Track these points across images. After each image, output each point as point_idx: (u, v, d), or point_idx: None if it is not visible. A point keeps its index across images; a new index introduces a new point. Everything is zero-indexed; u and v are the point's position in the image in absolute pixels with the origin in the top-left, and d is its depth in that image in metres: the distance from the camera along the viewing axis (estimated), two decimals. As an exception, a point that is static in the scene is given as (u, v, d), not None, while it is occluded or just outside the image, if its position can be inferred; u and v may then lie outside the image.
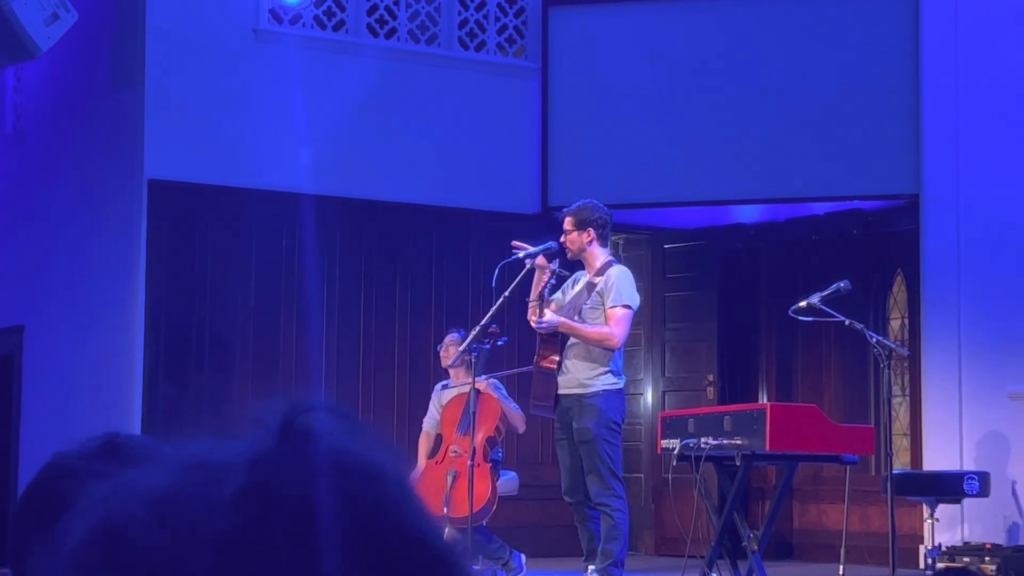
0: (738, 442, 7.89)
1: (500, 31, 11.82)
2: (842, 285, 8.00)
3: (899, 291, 11.23)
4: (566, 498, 7.96)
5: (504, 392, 9.00)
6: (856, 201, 11.17)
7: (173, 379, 10.35)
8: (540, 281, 7.86)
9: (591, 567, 7.82)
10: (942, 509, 9.27)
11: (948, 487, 9.10)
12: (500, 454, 9.04)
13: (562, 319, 7.77)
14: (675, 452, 8.10)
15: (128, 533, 0.83)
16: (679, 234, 12.16)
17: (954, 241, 10.31)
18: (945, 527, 9.66)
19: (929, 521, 8.98)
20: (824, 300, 8.00)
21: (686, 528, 8.40)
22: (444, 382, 9.23)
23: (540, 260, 7.85)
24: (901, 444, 11.02)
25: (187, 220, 10.59)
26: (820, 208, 11.49)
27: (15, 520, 1.31)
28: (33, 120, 12.35)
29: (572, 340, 7.82)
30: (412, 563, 0.85)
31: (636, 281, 8.08)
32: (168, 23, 10.58)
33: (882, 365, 8.03)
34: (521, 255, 7.97)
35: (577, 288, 7.97)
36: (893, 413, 10.71)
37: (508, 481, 9.03)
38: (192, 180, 10.57)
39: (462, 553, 0.89)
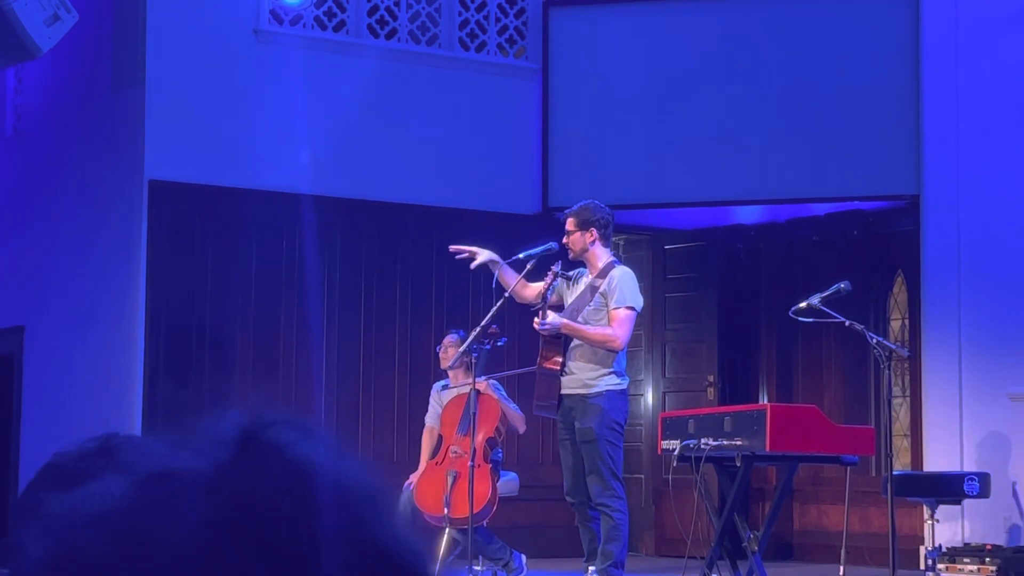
0: (738, 443, 7.89)
1: (501, 32, 11.82)
2: (842, 286, 8.00)
3: (899, 292, 11.23)
4: (568, 498, 7.96)
5: (504, 393, 9.00)
6: (856, 202, 11.17)
7: (173, 379, 10.34)
8: (544, 283, 7.85)
9: (591, 568, 7.82)
10: (942, 510, 9.26)
11: (948, 488, 9.09)
12: (500, 455, 9.04)
13: (565, 320, 7.76)
14: (675, 453, 8.10)
15: (85, 560, 0.80)
16: (679, 235, 12.16)
17: (954, 242, 10.31)
18: (945, 528, 9.66)
19: (929, 522, 8.97)
20: (824, 301, 7.99)
21: (686, 529, 8.40)
22: (443, 381, 9.23)
23: (484, 258, 7.92)
24: (901, 445, 11.02)
25: (187, 220, 10.59)
26: (821, 209, 11.48)
27: (15, 520, 1.31)
28: (34, 121, 12.35)
29: (576, 341, 7.81)
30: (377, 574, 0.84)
31: (637, 282, 8.08)
32: (168, 24, 10.58)
33: (882, 366, 8.02)
34: (522, 255, 7.97)
35: (579, 289, 7.96)
36: (893, 414, 10.71)
37: (508, 482, 9.03)
38: (192, 180, 10.57)
39: (428, 563, 0.88)
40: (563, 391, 7.84)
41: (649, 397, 12.24)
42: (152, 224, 10.49)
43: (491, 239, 11.17)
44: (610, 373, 7.76)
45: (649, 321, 12.00)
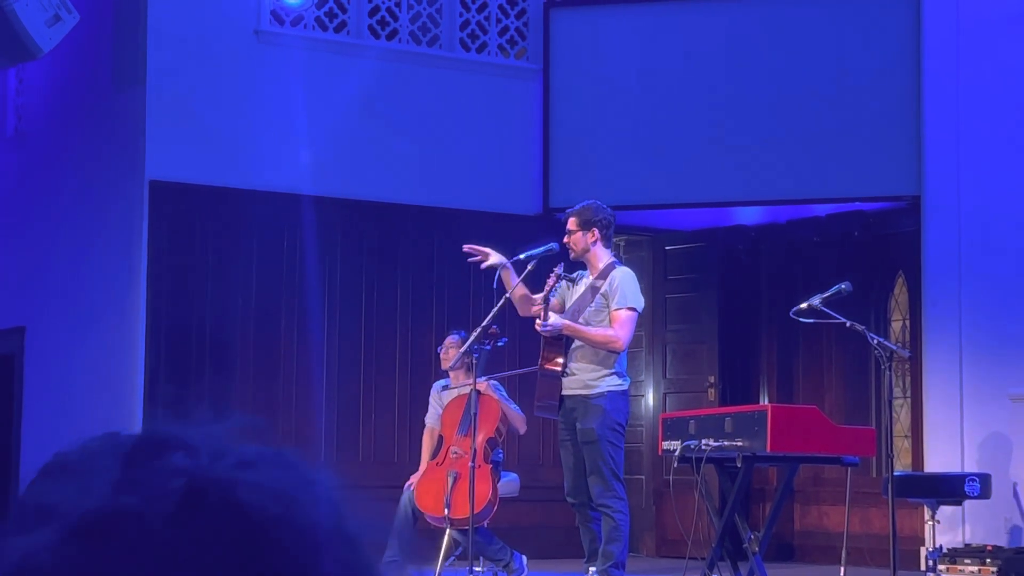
0: (739, 444, 7.89)
1: (501, 32, 11.82)
2: (843, 287, 7.99)
3: (900, 293, 11.22)
4: (569, 499, 7.95)
5: (504, 393, 9.00)
6: (857, 203, 11.17)
7: (174, 380, 10.34)
8: (546, 285, 7.84)
9: (592, 568, 7.81)
10: (943, 511, 9.26)
11: (949, 489, 9.09)
12: (501, 455, 9.03)
13: (566, 322, 7.76)
14: (676, 454, 8.10)
15: None
16: (680, 236, 12.16)
17: (955, 243, 10.31)
18: (946, 529, 9.65)
19: (930, 523, 8.97)
20: (825, 302, 7.99)
21: (687, 530, 8.39)
22: (444, 382, 9.22)
23: (494, 261, 7.89)
24: (902, 446, 11.02)
25: (188, 221, 10.59)
26: (821, 210, 11.48)
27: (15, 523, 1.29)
28: (35, 121, 12.36)
29: (577, 342, 7.81)
30: None
31: (638, 282, 8.07)
32: (169, 24, 10.58)
33: (883, 367, 8.02)
34: (522, 256, 7.97)
35: (580, 290, 7.95)
36: (894, 415, 10.70)
37: (509, 482, 9.02)
38: (193, 181, 10.57)
39: None
40: (564, 392, 7.84)
41: (650, 398, 12.23)
42: (152, 224, 10.50)
43: (492, 240, 11.16)
44: (611, 374, 7.75)
45: (650, 322, 12.00)
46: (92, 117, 11.33)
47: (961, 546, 9.60)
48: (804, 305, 8.06)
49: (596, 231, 7.87)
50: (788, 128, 11.08)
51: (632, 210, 11.29)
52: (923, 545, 9.61)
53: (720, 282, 11.94)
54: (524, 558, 8.85)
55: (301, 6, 11.15)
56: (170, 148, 10.52)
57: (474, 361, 8.16)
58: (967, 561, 9.22)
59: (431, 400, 9.25)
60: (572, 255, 7.96)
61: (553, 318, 7.75)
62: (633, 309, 7.77)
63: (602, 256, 7.91)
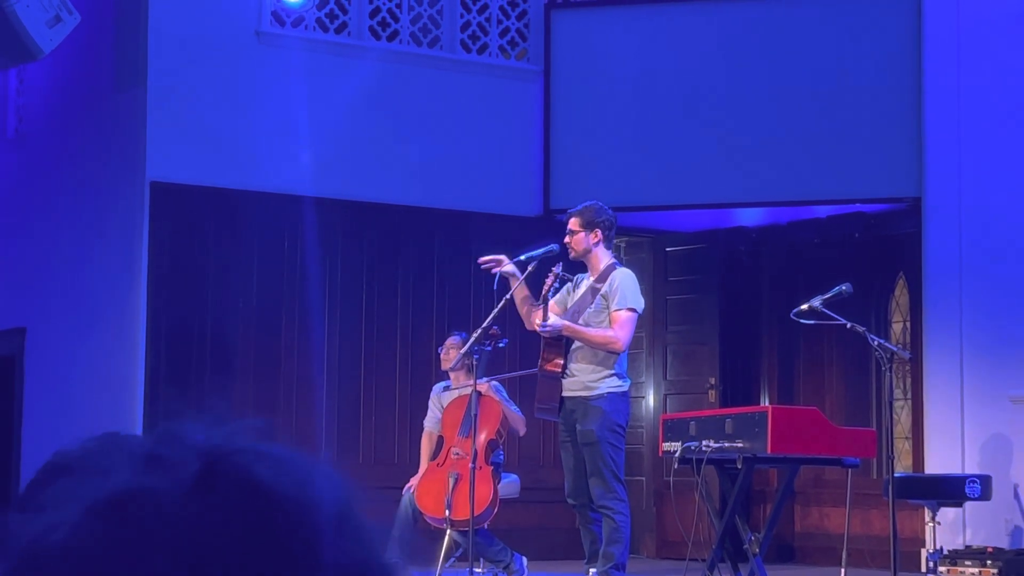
0: (739, 445, 7.89)
1: (502, 34, 11.82)
2: (844, 288, 7.99)
3: (901, 294, 11.22)
4: (569, 500, 7.95)
5: (505, 394, 8.99)
6: (858, 204, 11.17)
7: (174, 381, 10.34)
8: (545, 284, 7.84)
9: (593, 570, 7.81)
10: (944, 512, 9.26)
11: (950, 490, 9.09)
12: (501, 457, 9.03)
13: (566, 323, 7.75)
14: (676, 455, 8.10)
15: None
16: (681, 237, 12.16)
17: (956, 244, 10.31)
18: (947, 530, 9.65)
19: (931, 524, 8.96)
20: (826, 303, 7.99)
21: (687, 531, 8.39)
22: (444, 383, 9.22)
23: (508, 268, 7.85)
24: (903, 447, 11.01)
25: (189, 222, 10.59)
26: (822, 211, 11.48)
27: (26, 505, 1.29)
28: (35, 122, 12.36)
29: (577, 343, 7.80)
30: None
31: (638, 283, 8.07)
32: (170, 25, 10.58)
33: (884, 368, 8.02)
34: (523, 257, 7.96)
35: (580, 291, 7.95)
36: (895, 416, 10.70)
37: (509, 484, 9.02)
38: (194, 182, 10.57)
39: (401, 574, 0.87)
40: (564, 393, 7.83)
41: (650, 399, 12.23)
42: (153, 226, 10.50)
43: (492, 241, 11.19)
44: (611, 375, 7.75)
45: (650, 323, 12.00)
46: (93, 118, 11.33)
47: (962, 548, 9.60)
48: (805, 306, 8.06)
49: (599, 232, 7.87)
50: (789, 129, 11.08)
51: (633, 211, 11.29)
52: (923, 547, 9.61)
53: (721, 283, 11.93)
54: (524, 559, 8.85)
55: (302, 7, 11.15)
56: (171, 149, 10.52)
57: (474, 362, 8.15)
58: (968, 563, 9.22)
59: (431, 404, 9.24)
60: (572, 256, 7.95)
61: (553, 319, 7.74)
62: (633, 310, 7.77)
63: (603, 257, 7.91)
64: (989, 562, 9.13)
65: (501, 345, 8.21)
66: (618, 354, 7.74)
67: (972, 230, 10.26)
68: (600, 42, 11.62)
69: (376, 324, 11.13)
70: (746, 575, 8.18)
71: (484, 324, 8.03)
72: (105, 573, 0.79)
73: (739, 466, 7.92)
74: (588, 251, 7.89)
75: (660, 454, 8.64)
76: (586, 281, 7.96)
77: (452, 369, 8.95)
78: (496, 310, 7.92)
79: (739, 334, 11.93)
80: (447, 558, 8.76)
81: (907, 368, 10.92)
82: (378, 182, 11.13)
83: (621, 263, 8.46)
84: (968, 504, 9.35)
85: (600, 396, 7.72)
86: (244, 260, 10.74)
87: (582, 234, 7.87)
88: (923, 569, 9.51)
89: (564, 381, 7.82)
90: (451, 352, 8.98)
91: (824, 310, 7.98)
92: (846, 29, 11.01)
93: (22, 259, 12.25)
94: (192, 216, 10.60)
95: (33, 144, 12.31)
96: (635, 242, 12.32)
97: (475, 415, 8.19)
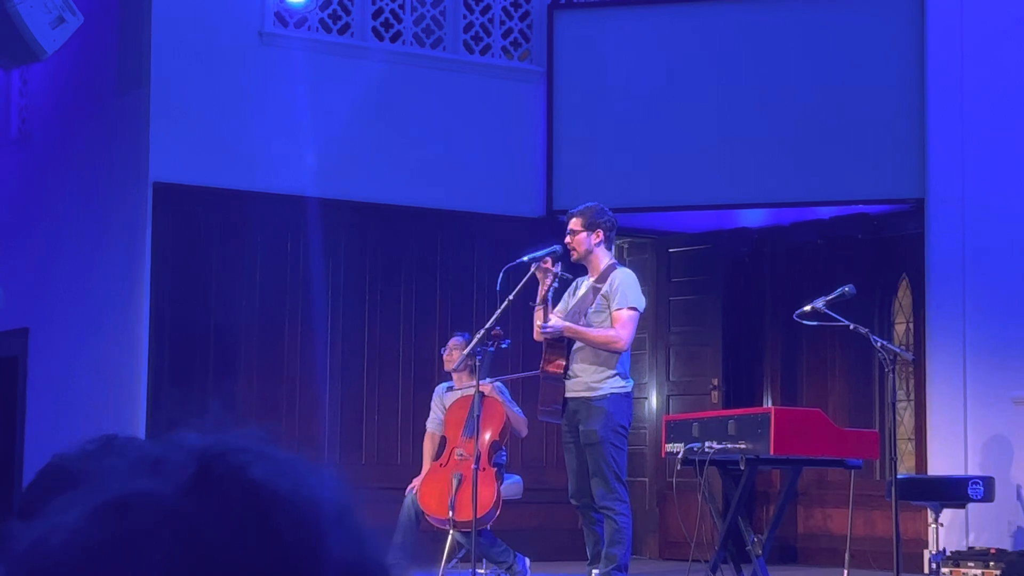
0: (742, 446, 7.89)
1: (505, 35, 11.83)
2: (847, 289, 7.99)
3: (904, 295, 11.22)
4: (573, 501, 7.95)
5: (508, 396, 8.99)
6: (861, 205, 11.16)
7: (178, 381, 10.35)
8: (543, 285, 7.83)
9: (595, 571, 7.81)
10: (946, 514, 9.25)
11: (952, 492, 9.08)
12: (504, 458, 9.03)
13: (567, 323, 7.75)
14: (679, 456, 8.10)
15: None
16: (684, 238, 12.16)
17: (959, 246, 10.30)
18: (950, 532, 9.65)
19: (933, 526, 8.96)
20: (829, 304, 7.99)
21: (690, 532, 8.39)
22: (447, 384, 9.22)
23: (543, 266, 7.81)
24: (906, 449, 11.01)
25: (192, 223, 10.60)
26: (825, 212, 11.48)
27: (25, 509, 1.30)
28: (38, 123, 12.37)
29: (578, 344, 7.80)
30: None
31: (641, 285, 8.07)
32: (173, 26, 10.59)
33: (887, 369, 8.01)
34: (526, 258, 7.96)
35: (581, 292, 7.95)
36: (898, 417, 10.70)
37: (512, 485, 9.02)
38: (197, 183, 10.57)
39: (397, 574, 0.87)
40: (567, 394, 7.83)
41: (653, 400, 12.23)
42: (156, 226, 10.50)
43: (495, 242, 11.21)
44: (614, 375, 7.74)
45: (653, 324, 12.00)
46: (96, 119, 11.33)
47: (964, 549, 9.60)
48: (808, 308, 8.05)
49: (600, 232, 7.87)
50: (792, 131, 11.08)
51: (636, 212, 11.29)
52: (926, 548, 9.61)
53: (724, 284, 11.93)
54: (527, 560, 8.85)
55: (305, 8, 11.15)
56: (174, 150, 10.53)
57: (477, 363, 8.15)
58: (970, 564, 9.21)
59: (433, 404, 9.24)
60: (574, 256, 7.95)
61: (554, 320, 7.74)
62: (634, 309, 7.76)
63: (603, 258, 7.91)
64: (992, 563, 9.12)
65: (504, 346, 8.21)
66: (620, 354, 7.74)
67: (975, 231, 10.26)
68: (603, 43, 11.62)
69: (379, 324, 11.13)
70: (749, 576, 8.17)
71: (487, 325, 8.03)
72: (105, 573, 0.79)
73: (742, 467, 7.92)
74: (589, 252, 7.89)
75: (663, 455, 8.64)
76: (587, 282, 7.96)
77: (455, 370, 8.95)
78: (499, 311, 7.91)
79: (742, 335, 11.93)
80: (450, 559, 8.76)
81: (910, 369, 10.91)
82: (381, 183, 11.13)
83: (622, 264, 8.45)
84: (971, 505, 9.35)
85: (603, 397, 7.71)
86: (247, 261, 10.74)
87: (583, 234, 7.87)
88: (926, 570, 9.51)
89: (567, 382, 7.82)
90: (454, 353, 8.98)
91: (827, 311, 7.97)
92: (850, 30, 11.00)
93: (25, 260, 12.25)
94: (195, 217, 10.60)
95: (36, 145, 12.32)
96: (638, 243, 12.31)
97: (478, 416, 8.19)
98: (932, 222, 10.51)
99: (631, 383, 7.92)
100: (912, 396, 11.05)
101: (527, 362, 9.45)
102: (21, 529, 0.82)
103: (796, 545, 11.60)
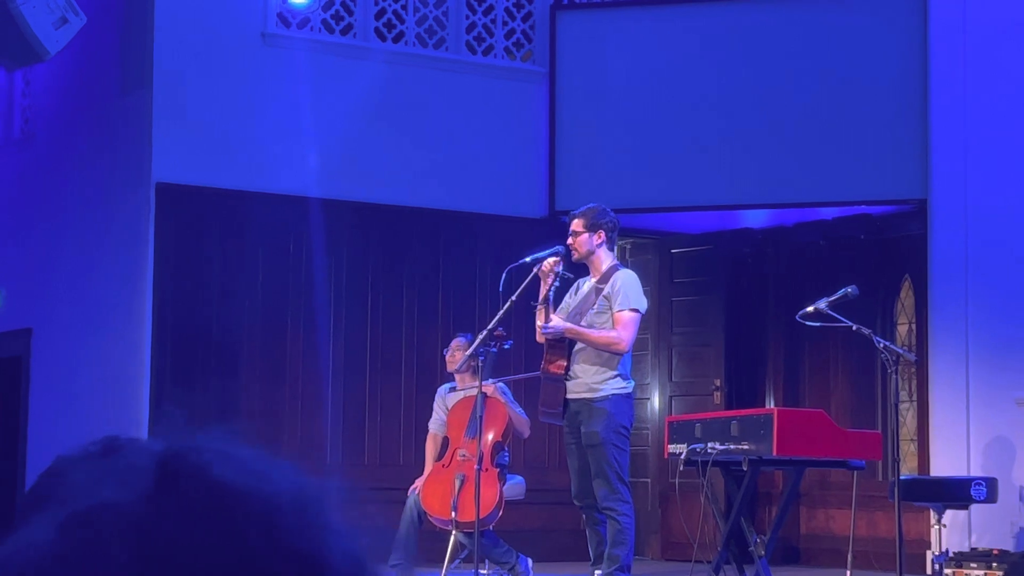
0: (745, 447, 7.88)
1: (508, 35, 11.83)
2: (849, 290, 7.99)
3: (907, 296, 11.21)
4: (576, 502, 7.95)
5: (510, 396, 8.99)
6: (864, 206, 11.16)
7: (180, 382, 10.35)
8: (545, 285, 7.83)
9: (598, 572, 7.81)
10: (949, 515, 9.24)
11: (955, 493, 9.08)
12: (507, 458, 9.03)
13: (568, 324, 7.75)
14: (682, 457, 8.10)
15: None
16: (686, 239, 12.16)
17: (962, 246, 10.30)
18: (952, 533, 9.64)
19: (936, 527, 8.96)
20: (831, 305, 7.98)
21: (693, 533, 8.39)
22: (450, 384, 9.22)
23: (544, 267, 7.80)
24: (908, 449, 11.00)
25: (195, 223, 10.60)
26: (828, 213, 11.47)
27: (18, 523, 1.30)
28: (41, 123, 12.37)
29: (580, 345, 7.80)
30: None
31: (643, 286, 8.06)
32: (176, 27, 10.59)
33: (889, 370, 8.01)
34: (528, 259, 7.95)
35: (583, 293, 7.94)
36: (900, 418, 10.68)
37: (515, 485, 9.02)
38: (200, 183, 10.58)
39: (369, 562, 0.87)
40: (568, 395, 7.83)
41: (656, 401, 12.22)
42: (159, 227, 10.50)
43: (497, 242, 11.20)
44: (615, 376, 7.74)
45: (656, 325, 11.99)
46: (99, 119, 11.34)
47: (967, 550, 9.59)
48: (810, 308, 8.05)
49: (602, 233, 7.87)
50: (795, 131, 11.08)
51: (638, 213, 11.29)
52: (929, 549, 9.60)
53: (726, 285, 11.93)
54: (529, 561, 8.85)
55: (307, 9, 11.15)
56: (176, 150, 10.53)
57: (480, 364, 8.15)
58: (973, 565, 9.20)
59: (435, 405, 9.24)
60: (575, 257, 7.95)
61: (555, 321, 7.74)
62: (636, 310, 7.76)
63: (605, 259, 7.90)
64: (995, 564, 9.11)
65: (506, 347, 8.21)
66: (621, 355, 7.73)
67: (978, 232, 10.25)
68: (605, 44, 11.61)
69: (381, 325, 11.13)
70: (751, 577, 8.17)
71: (489, 326, 8.03)
72: None
73: (744, 468, 7.91)
74: (591, 252, 7.89)
75: (665, 456, 8.63)
76: (589, 283, 7.96)
77: (457, 371, 8.95)
78: (501, 312, 7.91)
79: (744, 336, 11.93)
80: (452, 559, 8.76)
81: (913, 370, 10.90)
82: (383, 183, 11.13)
83: (624, 265, 8.45)
84: (974, 506, 9.34)
85: (604, 398, 7.71)
86: (250, 262, 10.74)
87: (585, 235, 7.87)
88: (928, 571, 9.50)
89: (568, 383, 7.81)
90: (456, 354, 8.98)
91: (830, 312, 7.97)
92: (852, 30, 11.00)
93: (28, 260, 12.26)
94: (198, 217, 10.60)
95: (39, 145, 12.32)
96: (640, 244, 12.31)
97: (481, 417, 8.19)
98: (935, 223, 10.50)
99: (632, 384, 7.91)
100: (915, 397, 11.04)
101: (529, 363, 9.44)
102: None
103: (799, 546, 11.59)
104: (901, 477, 8.20)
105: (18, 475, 12.03)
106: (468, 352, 8.41)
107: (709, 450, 7.96)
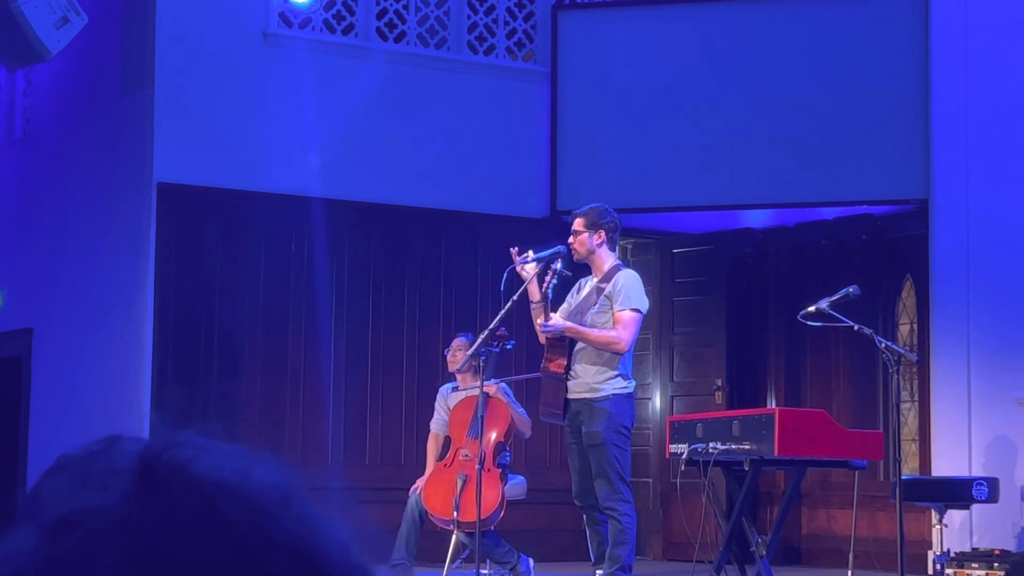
0: (747, 447, 7.88)
1: (509, 35, 11.83)
2: (851, 290, 7.98)
3: (908, 296, 11.21)
4: (577, 502, 7.95)
5: (512, 396, 8.99)
6: (865, 206, 11.16)
7: (181, 381, 10.35)
8: (544, 283, 7.82)
9: (599, 571, 7.81)
10: (951, 515, 9.24)
11: (957, 493, 9.07)
12: (508, 458, 9.03)
13: (568, 323, 7.74)
14: (683, 457, 8.10)
15: None
16: (688, 239, 12.16)
17: (963, 246, 10.29)
18: (954, 533, 9.63)
19: (938, 527, 8.95)
20: (833, 305, 7.98)
21: (694, 533, 8.39)
22: (451, 384, 9.22)
23: (530, 269, 7.80)
24: (910, 449, 11.00)
25: (196, 223, 10.60)
26: (829, 213, 11.47)
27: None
28: (43, 123, 12.37)
29: (581, 344, 7.80)
30: None
31: (644, 285, 8.06)
32: (178, 27, 10.59)
33: (891, 370, 8.01)
34: (530, 259, 7.95)
35: (584, 292, 7.94)
36: (902, 418, 10.68)
37: (516, 485, 9.02)
38: (201, 183, 10.58)
39: (355, 553, 0.87)
40: (569, 395, 7.82)
41: (657, 401, 12.22)
42: (160, 226, 10.51)
43: (499, 242, 11.17)
44: (616, 376, 7.74)
45: (657, 325, 11.99)
46: (100, 119, 11.34)
47: (968, 550, 9.59)
48: (812, 308, 8.05)
49: (603, 233, 7.86)
50: (796, 131, 11.08)
51: (640, 213, 11.29)
52: (931, 549, 9.59)
53: (727, 285, 11.93)
54: (531, 561, 8.85)
55: (309, 9, 11.16)
56: (178, 150, 10.53)
57: (481, 363, 8.15)
58: (974, 565, 9.20)
59: (437, 405, 9.23)
60: (576, 257, 7.95)
61: (555, 319, 7.73)
62: (637, 310, 7.76)
63: (607, 259, 7.90)
64: (996, 564, 9.11)
65: (508, 347, 8.21)
66: (621, 355, 7.73)
67: (979, 232, 10.25)
68: (607, 43, 11.61)
69: (383, 325, 11.13)
70: (753, 577, 8.17)
71: (491, 325, 8.03)
72: None
73: (746, 468, 7.91)
74: (592, 252, 7.88)
75: (667, 456, 8.63)
76: (590, 282, 7.96)
77: (459, 371, 8.95)
78: (503, 311, 7.91)
79: (746, 336, 11.93)
80: (454, 559, 8.76)
81: (914, 370, 10.90)
82: (385, 183, 11.14)
83: (625, 264, 8.45)
84: (975, 506, 9.34)
85: (605, 398, 7.71)
86: (251, 261, 10.74)
87: (586, 235, 7.86)
88: (930, 571, 9.50)
89: (569, 383, 7.81)
90: (458, 353, 8.98)
91: (831, 312, 7.97)
92: (854, 31, 11.00)
93: (29, 260, 12.26)
94: (199, 217, 10.61)
95: (40, 145, 12.32)
96: (642, 244, 12.32)
97: (482, 417, 8.19)
98: (936, 223, 10.50)
99: (633, 384, 7.91)
100: (916, 397, 11.04)
101: (531, 363, 9.44)
102: None
103: (800, 546, 11.59)
104: (902, 477, 8.19)
105: (19, 475, 12.04)
106: (470, 352, 8.41)
107: (710, 450, 7.96)
